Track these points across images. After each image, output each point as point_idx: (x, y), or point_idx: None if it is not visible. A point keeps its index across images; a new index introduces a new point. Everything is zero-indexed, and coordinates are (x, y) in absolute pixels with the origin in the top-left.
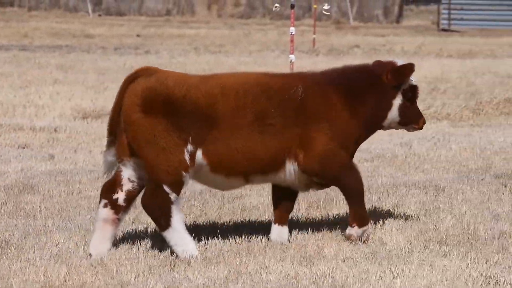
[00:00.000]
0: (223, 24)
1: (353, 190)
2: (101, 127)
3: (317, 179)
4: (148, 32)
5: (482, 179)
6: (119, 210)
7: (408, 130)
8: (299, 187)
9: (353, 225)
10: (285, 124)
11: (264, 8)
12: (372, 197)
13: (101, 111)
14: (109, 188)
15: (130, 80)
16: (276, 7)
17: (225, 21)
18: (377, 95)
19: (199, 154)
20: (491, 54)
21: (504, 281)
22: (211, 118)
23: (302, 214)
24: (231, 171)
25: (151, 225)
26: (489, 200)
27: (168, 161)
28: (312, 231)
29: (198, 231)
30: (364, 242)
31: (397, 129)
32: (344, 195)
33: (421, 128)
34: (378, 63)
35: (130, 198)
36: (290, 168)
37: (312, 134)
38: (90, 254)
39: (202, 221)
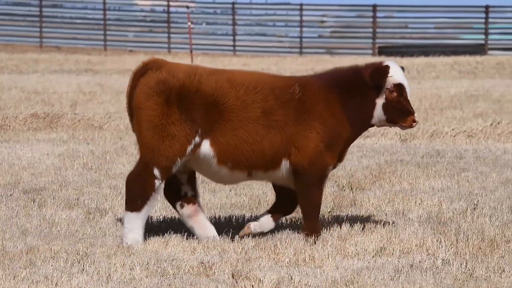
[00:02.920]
0: None
1: (314, 202)
2: None
3: (296, 178)
4: None
5: (10, 195)
6: (193, 199)
7: (401, 128)
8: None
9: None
10: (286, 122)
11: None
12: None
13: None
14: (172, 190)
15: (141, 72)
16: None
17: None
18: (362, 95)
19: (206, 144)
20: (16, 69)
21: None
22: (221, 109)
23: None
24: (236, 163)
25: None
26: (17, 216)
27: (172, 147)
28: None
29: None
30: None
31: (390, 126)
32: (301, 204)
33: (410, 127)
34: (368, 65)
35: (192, 183)
36: (285, 165)
37: (306, 133)
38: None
39: None
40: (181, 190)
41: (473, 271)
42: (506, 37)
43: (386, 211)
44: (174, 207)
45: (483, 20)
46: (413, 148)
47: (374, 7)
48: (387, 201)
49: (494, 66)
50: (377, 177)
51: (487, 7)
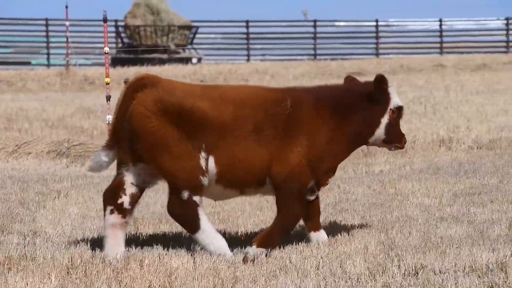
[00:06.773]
0: None
1: (288, 218)
2: None
3: (276, 191)
4: None
5: None
6: (125, 213)
7: (390, 149)
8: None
9: (253, 243)
10: (275, 136)
11: None
12: None
13: None
14: (112, 194)
15: (134, 87)
16: None
17: None
18: (365, 112)
19: (211, 161)
20: None
21: None
22: (219, 127)
23: None
24: (230, 182)
25: None
26: None
27: (184, 168)
28: None
29: None
30: (253, 261)
31: (379, 146)
32: (277, 215)
33: (402, 147)
34: (354, 81)
35: (134, 201)
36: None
37: (291, 146)
38: (108, 258)
39: None
40: (120, 197)
41: None
42: None
43: None
44: (104, 208)
45: None
46: None
47: None
48: None
49: None
50: None
51: None
